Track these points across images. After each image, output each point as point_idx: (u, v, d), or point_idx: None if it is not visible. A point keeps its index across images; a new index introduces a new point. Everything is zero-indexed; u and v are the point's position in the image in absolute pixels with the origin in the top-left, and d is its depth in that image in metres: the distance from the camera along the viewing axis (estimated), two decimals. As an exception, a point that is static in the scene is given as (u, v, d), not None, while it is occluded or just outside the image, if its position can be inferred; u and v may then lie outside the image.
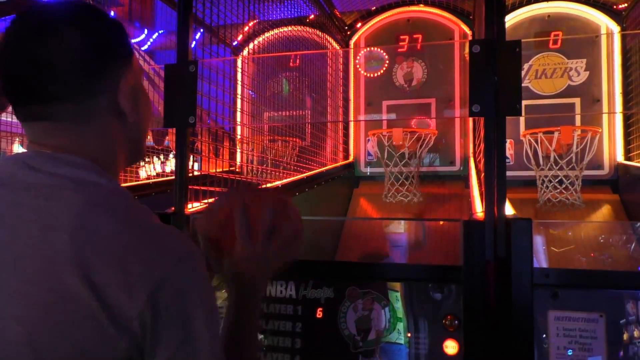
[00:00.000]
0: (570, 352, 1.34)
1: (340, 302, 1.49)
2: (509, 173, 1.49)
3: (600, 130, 4.73)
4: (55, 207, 0.69)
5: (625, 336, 1.32)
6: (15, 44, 0.75)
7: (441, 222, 4.25)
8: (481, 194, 2.81)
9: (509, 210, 2.00)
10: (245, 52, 5.20)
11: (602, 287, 1.38)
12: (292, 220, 0.99)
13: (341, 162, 5.62)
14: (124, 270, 0.66)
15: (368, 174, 5.76)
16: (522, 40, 1.53)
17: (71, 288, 0.65)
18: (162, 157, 5.41)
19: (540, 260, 3.59)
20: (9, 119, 2.84)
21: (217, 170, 2.77)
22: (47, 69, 0.74)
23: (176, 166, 1.73)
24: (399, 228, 4.42)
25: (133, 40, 6.78)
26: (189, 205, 1.88)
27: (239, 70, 3.43)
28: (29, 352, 0.64)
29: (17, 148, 3.11)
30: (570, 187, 4.53)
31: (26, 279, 0.66)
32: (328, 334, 1.48)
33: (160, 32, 6.94)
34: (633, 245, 3.65)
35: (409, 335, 1.44)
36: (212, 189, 2.30)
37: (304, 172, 4.30)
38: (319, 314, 1.51)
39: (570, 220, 4.36)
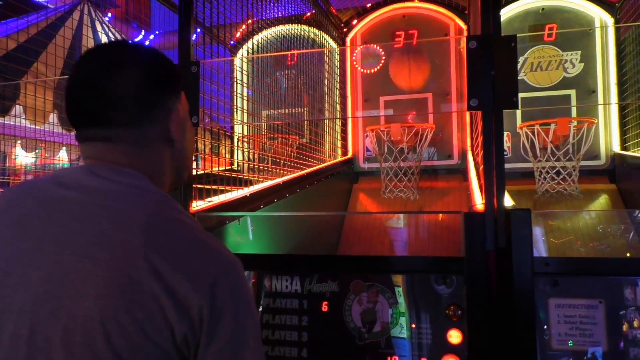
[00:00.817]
0: (571, 344, 1.37)
1: (345, 295, 1.51)
2: (506, 165, 1.51)
3: (596, 121, 4.76)
4: (126, 207, 0.79)
5: (624, 321, 1.35)
6: (85, 76, 0.87)
7: (441, 215, 4.28)
8: (480, 187, 2.83)
9: (508, 201, 2.03)
10: (242, 51, 5.20)
11: (601, 275, 1.40)
12: None
13: (340, 159, 5.65)
14: (188, 264, 0.76)
15: (367, 169, 5.78)
16: (517, 34, 1.55)
17: (140, 273, 0.73)
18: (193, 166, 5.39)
19: (540, 250, 3.62)
20: (11, 122, 2.86)
21: (219, 169, 2.79)
22: (111, 99, 0.85)
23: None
24: (400, 221, 4.45)
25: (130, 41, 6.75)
26: (193, 204, 1.90)
27: (237, 69, 3.44)
28: (98, 327, 0.71)
29: (19, 151, 3.13)
30: (567, 177, 4.56)
31: (97, 263, 0.73)
32: (334, 326, 1.50)
33: (157, 32, 6.93)
34: (631, 234, 3.67)
35: (413, 326, 1.46)
36: (215, 187, 2.32)
37: (304, 169, 4.32)
38: (325, 307, 1.52)
39: (568, 210, 4.38)
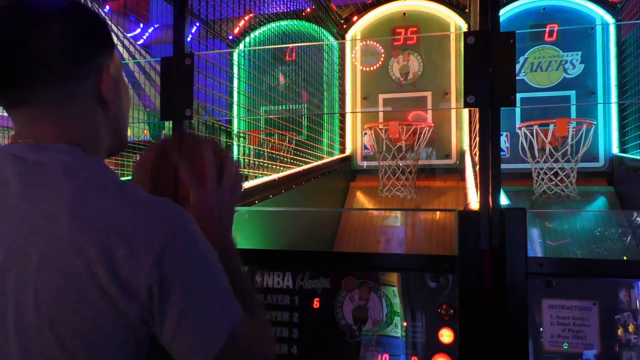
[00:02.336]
0: (566, 346, 1.36)
1: (337, 292, 1.50)
2: (504, 166, 1.50)
3: (595, 123, 4.77)
4: (50, 195, 0.71)
5: (617, 324, 1.34)
6: (1, 32, 0.77)
7: (438, 214, 4.28)
8: (476, 186, 2.83)
9: (503, 200, 2.02)
10: (241, 46, 5.19)
11: (595, 276, 1.39)
12: (229, 156, 0.99)
13: (338, 156, 5.65)
14: (126, 244, 0.69)
15: (364, 167, 5.79)
16: (518, 31, 1.54)
17: (79, 270, 0.68)
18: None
19: (537, 252, 3.62)
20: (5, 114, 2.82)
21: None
22: (32, 55, 0.76)
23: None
24: (396, 219, 4.45)
25: (129, 35, 6.76)
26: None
27: (235, 63, 3.43)
28: (50, 334, 0.68)
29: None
30: (565, 179, 4.57)
31: (35, 267, 0.68)
32: (325, 324, 1.49)
33: (155, 26, 6.92)
34: (629, 237, 3.68)
35: (405, 324, 1.45)
36: None
37: (301, 166, 4.31)
38: (316, 304, 1.51)
39: (564, 210, 4.40)
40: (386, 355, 1.45)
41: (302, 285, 1.53)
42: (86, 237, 0.69)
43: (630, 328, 1.34)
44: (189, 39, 1.78)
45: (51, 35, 0.77)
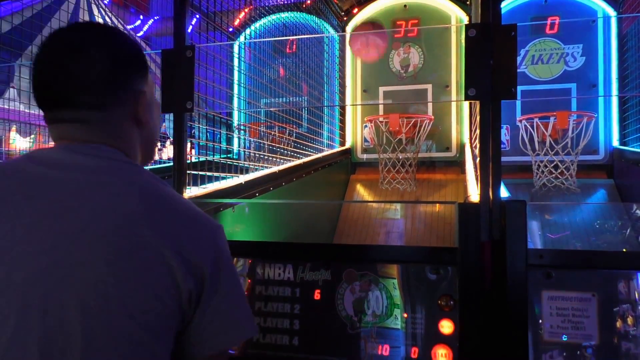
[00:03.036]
0: (565, 337, 1.38)
1: (338, 284, 1.52)
2: (505, 158, 1.52)
3: (595, 116, 4.78)
4: (118, 180, 0.83)
5: (616, 315, 1.36)
6: (51, 59, 0.87)
7: (438, 206, 4.30)
8: (476, 178, 2.84)
9: (503, 193, 2.03)
10: (241, 38, 5.18)
11: (595, 268, 1.41)
12: None
13: (338, 149, 5.66)
14: (190, 228, 0.82)
15: (364, 160, 5.80)
16: (519, 24, 1.54)
17: (146, 239, 0.77)
18: (158, 144, 5.40)
19: (536, 244, 3.65)
20: (6, 106, 2.85)
21: (215, 156, 2.78)
22: (79, 81, 0.85)
23: (174, 152, 1.74)
24: (396, 212, 4.47)
25: (129, 26, 6.74)
26: (187, 191, 1.90)
27: (236, 56, 3.43)
28: (111, 290, 0.75)
29: (14, 135, 3.13)
30: (565, 171, 4.58)
31: (102, 233, 0.76)
32: (326, 315, 1.51)
33: (155, 17, 6.90)
34: (628, 230, 3.70)
35: (405, 316, 1.47)
36: (210, 173, 2.31)
37: (301, 158, 4.32)
38: (317, 295, 1.53)
39: (564, 202, 4.42)
40: (386, 346, 1.47)
41: (303, 277, 1.55)
42: (154, 214, 0.80)
43: (629, 320, 1.35)
44: (189, 31, 1.78)
45: (95, 62, 0.86)
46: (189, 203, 0.88)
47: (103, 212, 0.78)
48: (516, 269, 1.37)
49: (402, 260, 1.52)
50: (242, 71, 3.56)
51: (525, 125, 4.70)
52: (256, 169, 3.48)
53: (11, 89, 2.86)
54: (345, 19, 6.02)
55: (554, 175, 4.59)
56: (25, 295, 0.74)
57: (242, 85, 3.44)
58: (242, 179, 2.82)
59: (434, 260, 1.49)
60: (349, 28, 5.98)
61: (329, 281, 1.53)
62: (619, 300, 1.37)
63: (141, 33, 6.86)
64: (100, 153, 0.86)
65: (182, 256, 0.78)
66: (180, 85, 1.71)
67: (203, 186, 2.30)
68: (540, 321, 1.40)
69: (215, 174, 2.49)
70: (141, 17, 6.88)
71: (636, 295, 1.37)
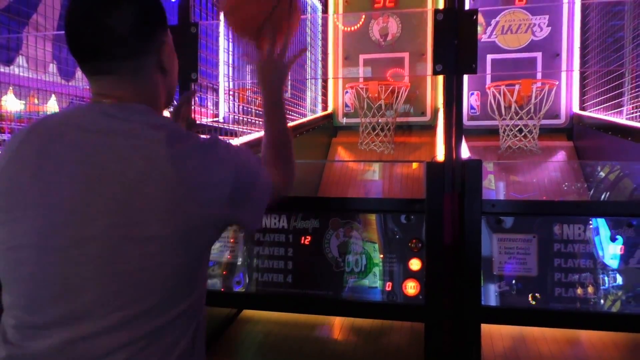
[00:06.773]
0: (510, 271, 1.54)
1: (325, 230, 1.65)
2: (475, 123, 1.66)
3: (557, 83, 4.92)
4: (148, 136, 0.88)
5: (551, 252, 1.53)
6: (85, 12, 0.91)
7: (413, 165, 4.49)
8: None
9: (465, 153, 2.19)
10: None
11: (535, 215, 1.56)
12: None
13: (320, 114, 5.71)
14: (214, 173, 0.92)
15: (345, 124, 5.87)
16: (488, 8, 1.70)
17: (184, 194, 0.86)
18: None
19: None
20: (2, 70, 2.90)
21: (203, 120, 2.91)
22: (113, 34, 0.90)
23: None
24: (374, 172, 4.66)
25: None
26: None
27: (222, 23, 3.53)
28: (174, 207, 0.85)
29: (11, 97, 3.15)
30: (528, 135, 4.74)
31: (155, 185, 0.84)
32: (315, 257, 1.65)
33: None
34: (579, 183, 3.96)
35: (381, 256, 1.61)
36: (203, 136, 2.46)
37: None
38: (307, 240, 1.66)
39: (522, 161, 4.58)
40: (365, 281, 1.61)
41: (296, 225, 1.67)
42: (185, 172, 0.86)
43: (562, 255, 1.52)
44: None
45: (126, 17, 0.91)
46: (200, 137, 0.95)
47: (142, 178, 0.84)
48: (472, 216, 1.51)
49: (380, 210, 1.62)
50: (229, 39, 3.66)
51: (493, 92, 4.83)
52: (244, 132, 3.63)
53: (20, 56, 2.91)
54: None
55: (518, 138, 4.74)
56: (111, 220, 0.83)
57: (230, 52, 3.57)
58: (234, 142, 2.97)
59: (405, 210, 1.60)
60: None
61: (317, 228, 1.65)
62: (554, 240, 1.52)
63: None
64: (132, 115, 0.91)
65: (212, 199, 0.90)
66: (185, 59, 1.84)
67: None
68: (492, 258, 1.54)
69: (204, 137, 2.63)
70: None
71: (567, 235, 1.52)
